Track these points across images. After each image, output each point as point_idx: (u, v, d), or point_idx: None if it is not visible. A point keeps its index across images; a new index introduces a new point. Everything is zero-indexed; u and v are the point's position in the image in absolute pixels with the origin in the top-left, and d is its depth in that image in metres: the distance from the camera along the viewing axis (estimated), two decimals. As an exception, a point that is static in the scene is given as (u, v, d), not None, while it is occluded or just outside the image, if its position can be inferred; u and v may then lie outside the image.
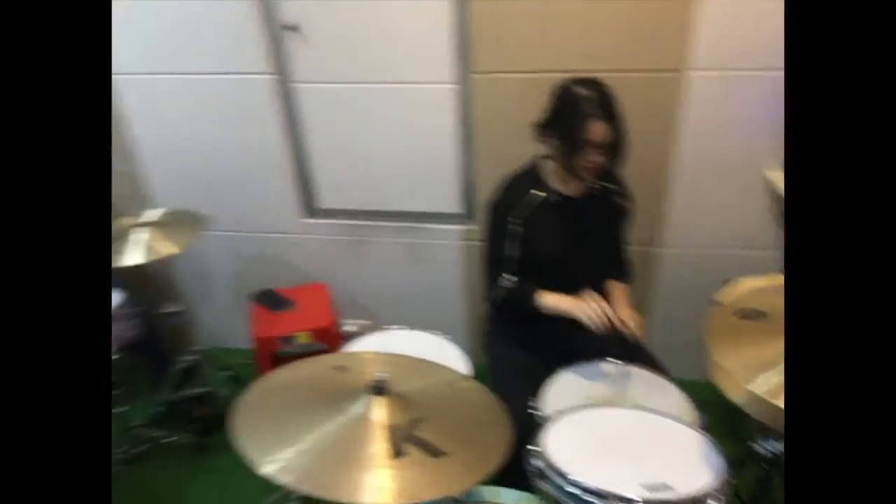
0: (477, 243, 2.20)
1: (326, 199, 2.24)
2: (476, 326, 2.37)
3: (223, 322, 2.61)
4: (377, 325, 2.49)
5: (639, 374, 1.54)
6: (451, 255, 2.27)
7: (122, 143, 2.19)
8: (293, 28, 1.88)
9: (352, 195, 2.21)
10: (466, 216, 2.20)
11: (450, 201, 2.16)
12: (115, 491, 1.96)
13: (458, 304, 2.38)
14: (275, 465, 0.96)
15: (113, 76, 2.06)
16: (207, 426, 2.20)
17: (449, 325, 1.78)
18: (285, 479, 0.94)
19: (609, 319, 1.47)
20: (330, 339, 2.15)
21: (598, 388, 1.51)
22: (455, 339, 1.73)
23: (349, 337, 2.41)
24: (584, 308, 1.49)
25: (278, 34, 1.91)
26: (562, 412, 1.32)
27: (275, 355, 2.14)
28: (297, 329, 2.10)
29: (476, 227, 2.19)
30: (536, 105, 1.73)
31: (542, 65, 1.84)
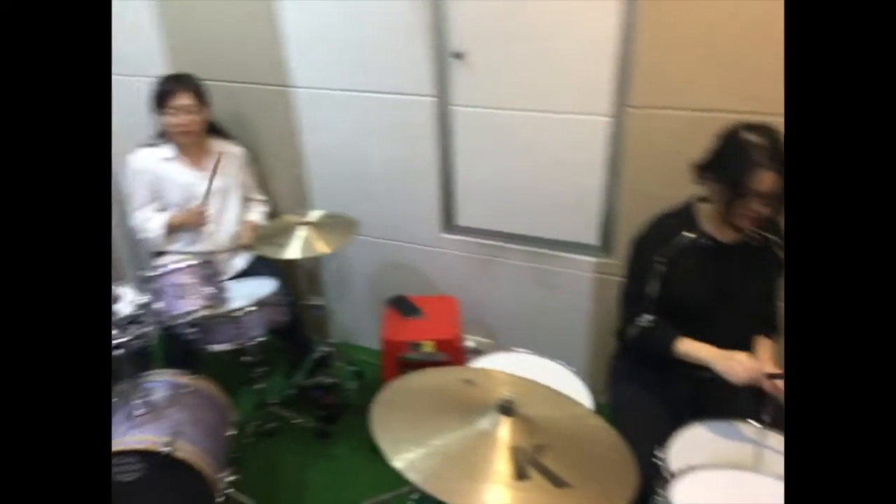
0: (610, 277, 2.16)
1: (465, 217, 2.32)
2: (598, 361, 2.31)
3: (355, 320, 2.79)
4: (496, 344, 2.54)
5: (779, 440, 1.42)
6: (582, 285, 2.24)
7: (295, 150, 2.44)
8: (459, 55, 1.99)
9: (489, 215, 2.27)
10: (602, 249, 2.17)
11: (587, 232, 2.14)
12: (246, 459, 2.19)
13: (582, 335, 2.35)
14: (405, 460, 1.02)
15: (291, 89, 2.32)
16: (331, 415, 2.36)
17: (569, 356, 1.75)
18: (412, 477, 1.00)
19: (753, 378, 1.38)
20: (453, 352, 2.21)
21: (731, 449, 1.41)
22: (577, 371, 1.72)
23: (467, 352, 2.48)
24: (727, 362, 1.41)
25: (445, 60, 2.03)
26: (693, 467, 1.25)
27: (399, 359, 2.25)
28: (423, 337, 2.19)
29: (611, 261, 2.15)
30: (690, 143, 1.68)
31: (702, 103, 1.78)
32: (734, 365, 1.40)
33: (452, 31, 1.98)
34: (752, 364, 1.39)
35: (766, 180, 1.34)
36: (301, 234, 2.00)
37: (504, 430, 1.08)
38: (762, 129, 1.38)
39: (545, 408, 1.20)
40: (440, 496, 0.97)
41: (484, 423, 1.10)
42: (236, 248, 2.36)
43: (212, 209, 2.30)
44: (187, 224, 2.26)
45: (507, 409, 1.10)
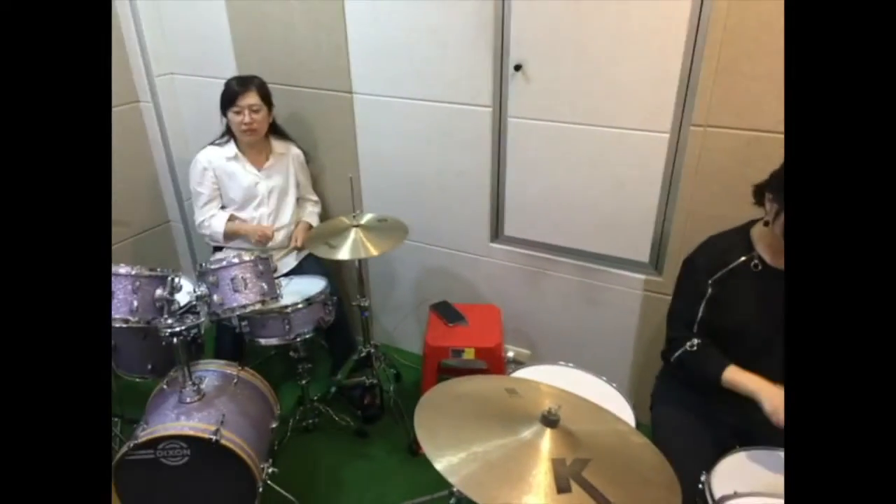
0: (659, 295, 2.12)
1: (514, 227, 2.32)
2: (641, 380, 2.27)
3: (398, 323, 2.82)
4: (535, 355, 2.52)
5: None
6: (628, 302, 2.21)
7: (350, 154, 2.51)
8: (519, 67, 2.00)
9: (539, 227, 2.26)
10: (652, 267, 2.13)
11: (638, 249, 2.11)
12: (285, 452, 2.24)
13: (626, 353, 2.31)
14: (446, 463, 1.03)
15: (352, 95, 2.38)
16: (371, 415, 2.40)
17: (612, 373, 1.72)
18: (452, 480, 1.01)
19: None
20: (493, 360, 2.21)
21: (775, 477, 1.36)
22: (619, 388, 1.69)
23: (508, 362, 2.47)
24: (774, 400, 1.36)
25: (505, 71, 2.05)
26: (738, 494, 1.22)
27: (440, 364, 2.27)
28: (465, 344, 2.20)
29: (661, 279, 2.11)
30: (750, 164, 1.64)
31: (764, 124, 1.74)
32: (778, 400, 1.35)
33: (513, 43, 1.99)
34: None
35: None
36: (352, 236, 2.04)
37: (546, 442, 1.08)
38: None
39: (588, 422, 1.19)
40: (480, 501, 0.97)
41: (526, 433, 1.10)
42: (290, 247, 2.43)
43: (268, 208, 2.38)
44: (250, 237, 2.34)
45: (550, 420, 1.10)
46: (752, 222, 1.54)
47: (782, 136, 1.72)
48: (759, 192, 1.48)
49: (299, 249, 2.44)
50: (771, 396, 1.37)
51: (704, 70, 1.76)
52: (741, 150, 1.80)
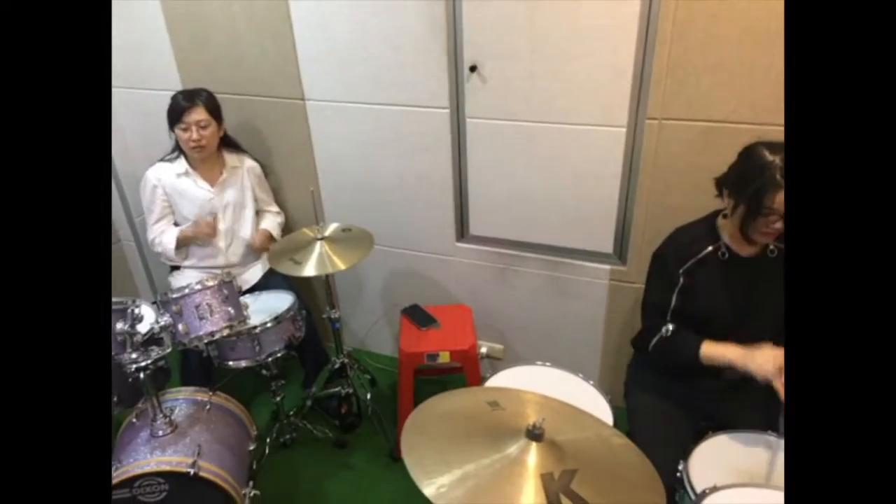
0: (624, 284, 2.17)
1: (480, 226, 2.33)
2: (612, 367, 2.33)
3: (369, 327, 2.80)
4: (508, 350, 2.55)
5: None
6: (596, 292, 2.25)
7: (309, 162, 2.45)
8: (474, 68, 1.98)
9: (505, 225, 2.27)
10: (616, 257, 2.17)
11: (601, 241, 2.15)
12: (264, 471, 2.20)
13: (595, 341, 2.35)
14: (436, 489, 1.03)
15: (306, 102, 2.32)
16: (348, 424, 2.38)
17: (584, 362, 1.76)
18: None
19: (782, 368, 1.38)
20: (468, 361, 2.22)
21: (753, 461, 1.42)
22: (590, 378, 1.73)
23: (482, 359, 2.49)
24: (754, 357, 1.42)
25: (460, 73, 2.03)
26: (718, 488, 1.26)
27: (416, 369, 2.26)
28: (439, 348, 2.19)
29: (625, 269, 2.16)
30: (705, 154, 1.67)
31: (718, 115, 1.78)
32: (760, 359, 1.40)
33: (467, 44, 1.97)
34: (778, 354, 1.40)
35: (783, 198, 1.34)
36: (317, 249, 2.00)
37: (533, 456, 1.09)
38: (781, 148, 1.37)
39: (572, 429, 1.21)
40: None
41: (512, 449, 1.10)
42: (251, 256, 2.37)
43: (225, 224, 2.31)
44: (198, 236, 2.27)
45: (535, 434, 1.11)
46: (717, 212, 1.58)
47: (734, 126, 1.77)
48: (719, 184, 1.52)
49: (260, 254, 2.38)
50: (750, 357, 1.42)
51: (656, 64, 1.79)
52: (695, 141, 1.84)
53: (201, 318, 1.71)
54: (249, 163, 2.36)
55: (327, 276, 2.15)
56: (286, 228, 2.52)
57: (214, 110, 2.19)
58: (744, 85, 1.72)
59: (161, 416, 1.69)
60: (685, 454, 1.46)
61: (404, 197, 2.37)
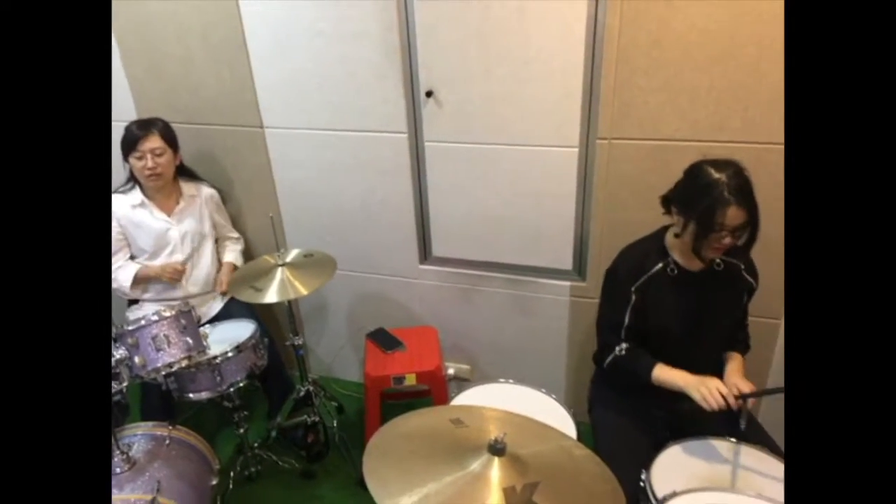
0: (585, 300, 2.22)
1: (442, 248, 2.35)
2: (577, 382, 2.36)
3: (334, 353, 2.77)
4: (475, 369, 2.56)
5: (751, 452, 1.49)
6: (557, 309, 2.29)
7: (268, 189, 2.44)
8: (430, 94, 2.03)
9: (466, 246, 2.30)
10: (576, 273, 2.22)
11: (561, 258, 2.19)
12: (229, 506, 2.12)
13: (559, 356, 2.39)
14: (399, 511, 1.02)
15: (263, 129, 2.32)
16: (316, 453, 2.34)
17: (548, 378, 1.78)
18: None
19: (725, 401, 1.43)
20: (434, 382, 2.22)
21: (708, 467, 1.46)
22: (555, 394, 1.76)
23: (449, 380, 2.49)
24: (701, 389, 1.46)
25: (417, 98, 2.07)
26: (677, 494, 1.29)
27: (383, 392, 2.25)
28: (405, 371, 2.19)
29: (583, 284, 2.20)
30: (655, 172, 1.73)
31: (666, 133, 1.86)
32: (707, 393, 1.45)
33: (422, 70, 2.02)
34: (724, 390, 1.44)
35: (732, 214, 1.38)
36: (278, 276, 1.99)
37: (496, 471, 1.09)
38: (725, 165, 1.42)
39: (534, 442, 1.22)
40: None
41: (475, 465, 1.11)
42: (213, 291, 2.33)
43: (183, 254, 2.27)
44: (161, 278, 2.22)
45: (497, 449, 1.12)
46: (665, 228, 1.63)
47: (680, 144, 1.85)
48: (666, 202, 1.58)
49: (224, 295, 2.34)
50: (698, 387, 1.46)
51: (604, 87, 1.86)
52: (644, 159, 1.92)
53: (158, 350, 1.67)
54: (207, 191, 2.35)
55: (290, 302, 2.13)
56: (246, 255, 2.50)
57: (170, 139, 2.17)
58: (686, 105, 1.81)
59: (118, 452, 1.64)
60: (647, 465, 1.48)
61: (366, 221, 2.38)
